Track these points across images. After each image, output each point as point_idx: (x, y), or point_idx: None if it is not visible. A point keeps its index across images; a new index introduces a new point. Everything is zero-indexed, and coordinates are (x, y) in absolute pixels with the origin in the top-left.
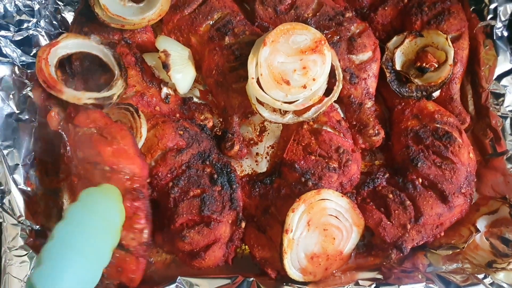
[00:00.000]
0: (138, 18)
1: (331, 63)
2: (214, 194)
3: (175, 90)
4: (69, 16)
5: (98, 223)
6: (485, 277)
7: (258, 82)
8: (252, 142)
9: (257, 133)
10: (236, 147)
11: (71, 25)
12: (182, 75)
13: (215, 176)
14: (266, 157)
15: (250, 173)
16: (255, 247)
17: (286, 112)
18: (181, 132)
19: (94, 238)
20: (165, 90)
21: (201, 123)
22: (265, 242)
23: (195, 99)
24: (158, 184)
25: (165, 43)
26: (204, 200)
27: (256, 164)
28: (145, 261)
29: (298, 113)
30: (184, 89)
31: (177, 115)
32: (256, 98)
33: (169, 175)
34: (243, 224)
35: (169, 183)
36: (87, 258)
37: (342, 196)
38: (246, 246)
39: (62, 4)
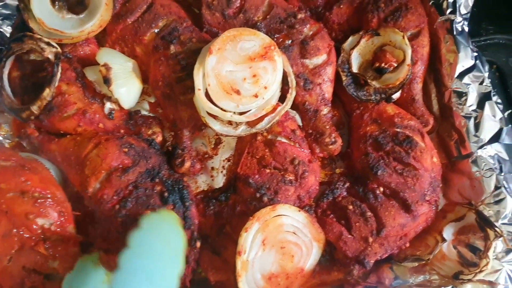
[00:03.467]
0: (77, 31)
1: (283, 69)
2: None
3: (119, 104)
4: (8, 30)
5: (163, 249)
6: None
7: (206, 93)
8: (206, 156)
9: (212, 146)
10: (187, 164)
11: (8, 40)
12: (126, 88)
13: (166, 194)
14: (222, 171)
15: (206, 190)
16: (210, 270)
17: (238, 124)
18: (126, 150)
19: (160, 265)
20: (108, 105)
21: (148, 137)
22: (220, 265)
23: (144, 112)
24: (104, 207)
25: (106, 55)
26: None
27: (212, 180)
28: None
29: (251, 124)
30: (129, 104)
31: (122, 131)
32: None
33: (115, 197)
34: (198, 244)
35: (116, 205)
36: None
37: (299, 211)
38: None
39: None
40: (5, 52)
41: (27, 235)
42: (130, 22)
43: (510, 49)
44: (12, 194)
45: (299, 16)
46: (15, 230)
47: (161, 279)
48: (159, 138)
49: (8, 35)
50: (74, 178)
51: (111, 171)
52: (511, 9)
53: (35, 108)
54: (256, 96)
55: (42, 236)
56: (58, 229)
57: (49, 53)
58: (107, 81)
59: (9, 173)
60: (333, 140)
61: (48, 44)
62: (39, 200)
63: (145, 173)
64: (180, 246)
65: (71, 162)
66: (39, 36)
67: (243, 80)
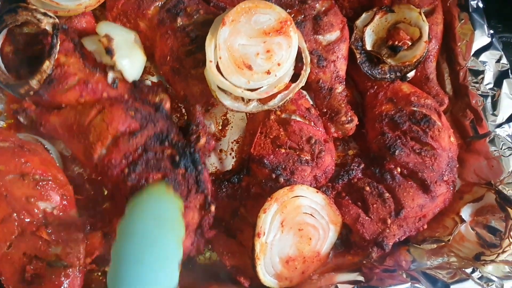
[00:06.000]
0: (74, 4)
1: (298, 45)
2: (177, 178)
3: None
4: None
5: (154, 226)
6: (473, 271)
7: (217, 66)
8: (214, 137)
9: (220, 127)
10: (203, 140)
11: None
12: (129, 60)
13: (177, 157)
14: (231, 154)
15: (214, 172)
16: (225, 254)
17: (250, 100)
18: (132, 113)
19: (154, 242)
20: (111, 75)
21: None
22: (236, 248)
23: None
24: (112, 173)
25: (107, 27)
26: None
27: (220, 162)
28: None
29: (263, 101)
30: (133, 76)
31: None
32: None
33: (124, 161)
34: (213, 208)
35: (125, 169)
36: (155, 265)
37: (317, 192)
38: (214, 253)
39: None
40: None
41: (28, 220)
42: None
43: None
44: (12, 177)
45: None
46: (15, 214)
47: (160, 255)
48: (167, 105)
49: None
50: (77, 148)
51: (118, 136)
52: None
53: (34, 83)
54: (268, 72)
55: (44, 221)
56: (61, 213)
57: (46, 24)
58: (109, 51)
59: (7, 155)
60: (349, 118)
61: (45, 14)
62: (40, 183)
63: (153, 137)
64: (173, 212)
65: (73, 132)
66: (34, 7)
67: (256, 55)
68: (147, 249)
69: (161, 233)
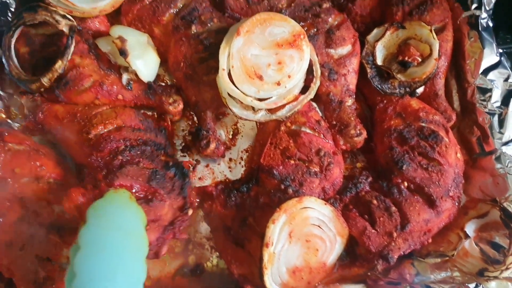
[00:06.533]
0: (89, 7)
1: (309, 59)
2: (165, 175)
3: (137, 75)
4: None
5: (117, 237)
6: (476, 287)
7: (229, 74)
8: (224, 146)
9: (230, 136)
10: (212, 145)
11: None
12: (143, 60)
13: (170, 163)
14: (240, 163)
15: (223, 180)
16: (233, 263)
17: (258, 109)
18: (141, 118)
19: (118, 256)
20: (125, 76)
21: (170, 106)
22: (244, 257)
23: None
24: (105, 145)
25: (119, 30)
26: (155, 173)
27: (230, 171)
28: None
29: (271, 110)
30: (147, 76)
31: (143, 101)
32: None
33: (121, 141)
34: (190, 212)
35: (121, 146)
36: (119, 280)
37: (325, 204)
38: (222, 260)
39: None
40: (15, 21)
41: (41, 223)
42: (147, 2)
43: None
44: (27, 179)
45: (324, 5)
46: (28, 217)
47: (125, 270)
48: (180, 106)
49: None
50: (71, 130)
51: (122, 126)
52: None
53: (45, 80)
54: (278, 84)
55: (57, 224)
56: (73, 217)
57: (64, 26)
58: (123, 52)
59: (23, 158)
60: (358, 132)
61: (64, 17)
62: (53, 187)
63: (153, 142)
64: (138, 225)
65: (75, 117)
66: (54, 8)
67: (268, 66)
68: (118, 267)
69: (128, 250)
